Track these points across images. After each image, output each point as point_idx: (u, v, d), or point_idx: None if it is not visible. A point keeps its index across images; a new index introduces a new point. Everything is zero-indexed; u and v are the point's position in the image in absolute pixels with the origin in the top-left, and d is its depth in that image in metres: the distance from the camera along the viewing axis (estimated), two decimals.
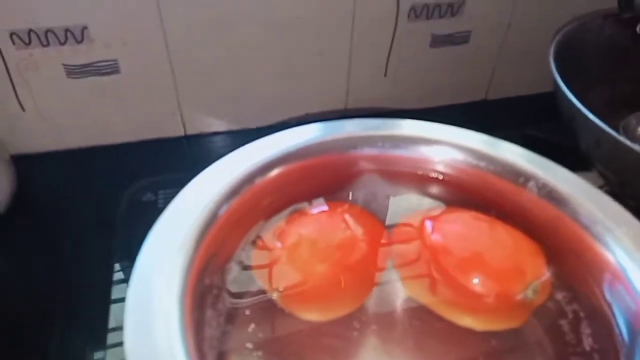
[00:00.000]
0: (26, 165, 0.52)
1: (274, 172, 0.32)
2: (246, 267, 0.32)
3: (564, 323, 0.29)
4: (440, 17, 0.56)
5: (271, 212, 0.33)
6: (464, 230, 0.32)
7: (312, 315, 0.32)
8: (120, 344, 0.34)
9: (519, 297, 0.30)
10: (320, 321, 0.31)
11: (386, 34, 0.56)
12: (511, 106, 0.65)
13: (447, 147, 0.35)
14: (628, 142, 0.35)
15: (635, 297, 0.27)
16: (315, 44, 0.55)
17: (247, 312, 0.31)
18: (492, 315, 0.30)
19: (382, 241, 0.33)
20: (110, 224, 0.46)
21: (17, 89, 0.49)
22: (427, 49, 0.59)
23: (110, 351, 0.36)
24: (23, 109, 0.51)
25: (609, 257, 0.29)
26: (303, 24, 0.52)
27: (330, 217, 0.33)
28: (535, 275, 0.30)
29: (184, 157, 0.55)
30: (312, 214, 0.33)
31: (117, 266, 0.42)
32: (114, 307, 0.39)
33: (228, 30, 0.50)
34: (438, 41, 0.58)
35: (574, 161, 0.35)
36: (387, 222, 0.35)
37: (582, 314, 0.29)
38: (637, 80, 0.51)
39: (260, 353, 0.29)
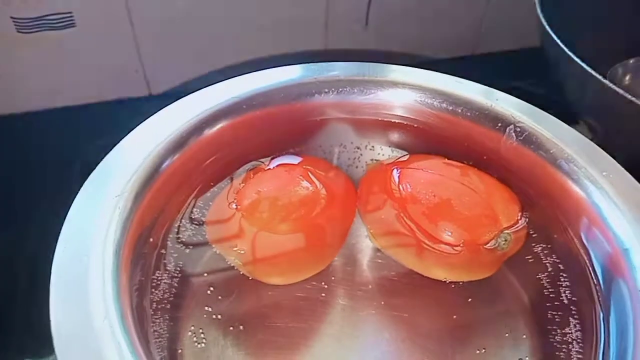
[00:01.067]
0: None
1: (223, 124, 0.30)
2: (200, 227, 0.29)
3: (542, 275, 0.28)
4: None
5: (224, 167, 0.30)
6: (432, 176, 0.30)
7: (277, 280, 0.29)
8: None
9: (490, 245, 0.28)
10: (286, 284, 0.29)
11: None
12: (500, 61, 0.62)
13: (415, 91, 0.32)
14: (614, 86, 0.33)
15: (610, 240, 0.26)
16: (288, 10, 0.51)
17: (205, 274, 0.28)
18: (462, 265, 0.28)
19: (348, 195, 0.31)
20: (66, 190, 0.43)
21: None
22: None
23: None
24: None
25: (586, 200, 0.28)
26: None
27: (291, 172, 0.30)
28: (508, 223, 0.28)
29: None
30: (270, 170, 0.30)
31: None
32: None
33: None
34: None
35: (562, 115, 0.33)
36: (352, 174, 0.32)
37: (560, 264, 0.28)
38: (626, 29, 0.49)
39: (219, 316, 0.27)
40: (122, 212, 0.24)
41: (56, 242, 0.39)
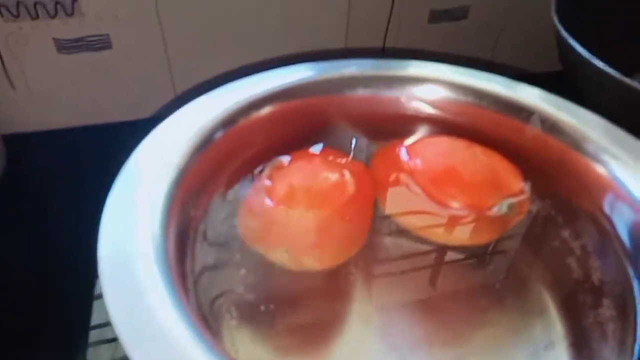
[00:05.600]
0: (16, 145, 0.51)
1: (262, 111, 0.31)
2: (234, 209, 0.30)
3: (570, 259, 0.28)
4: None
5: (257, 156, 0.31)
6: (438, 150, 0.33)
7: (317, 265, 0.30)
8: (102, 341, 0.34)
9: (494, 211, 0.30)
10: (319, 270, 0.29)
11: (383, 10, 0.55)
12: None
13: (436, 85, 0.34)
14: (630, 81, 0.34)
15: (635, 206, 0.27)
16: (310, 21, 0.54)
17: (238, 257, 0.29)
18: (468, 228, 0.30)
19: (367, 178, 0.32)
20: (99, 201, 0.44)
21: (7, 65, 0.49)
22: (425, 25, 0.58)
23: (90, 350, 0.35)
24: (13, 87, 0.50)
25: (606, 174, 0.29)
26: (299, 2, 0.51)
27: (313, 164, 0.32)
28: (511, 191, 0.30)
29: None
30: (292, 165, 0.32)
31: None
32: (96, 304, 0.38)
33: (224, 7, 0.50)
34: (436, 17, 0.57)
35: None
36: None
37: (587, 247, 0.28)
38: None
39: (251, 296, 0.27)
40: (167, 186, 0.25)
41: (90, 252, 0.40)
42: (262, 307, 0.27)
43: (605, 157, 0.28)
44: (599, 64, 0.36)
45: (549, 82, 0.37)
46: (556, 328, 0.26)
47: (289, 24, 0.54)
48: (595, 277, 0.27)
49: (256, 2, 0.52)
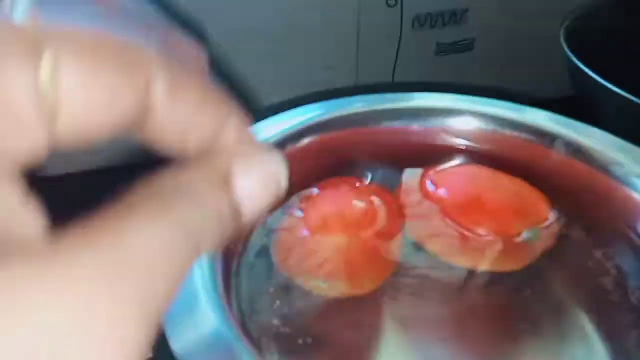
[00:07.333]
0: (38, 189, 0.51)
1: (292, 147, 0.31)
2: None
3: (606, 279, 0.28)
4: (444, 25, 0.57)
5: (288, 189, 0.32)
6: (464, 178, 0.33)
7: (356, 291, 0.29)
8: None
9: (521, 238, 0.30)
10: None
11: (391, 45, 0.57)
12: None
13: (464, 116, 0.34)
14: None
15: None
16: (322, 59, 0.55)
17: (272, 289, 0.29)
18: (496, 255, 0.30)
19: (393, 204, 0.33)
20: None
21: None
22: (432, 58, 0.59)
23: None
24: None
25: (635, 193, 0.29)
26: (308, 39, 0.53)
27: (340, 192, 0.33)
28: (537, 218, 0.31)
29: None
30: (321, 194, 0.32)
31: None
32: None
33: (234, 48, 0.51)
34: (443, 50, 0.59)
35: None
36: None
37: (623, 266, 0.27)
38: None
39: (287, 330, 0.27)
40: None
41: None
42: (300, 341, 0.27)
43: (633, 178, 0.29)
44: (615, 89, 0.37)
45: (559, 109, 0.38)
46: (598, 350, 0.25)
47: (300, 66, 0.55)
48: (634, 296, 0.27)
49: (269, 48, 0.53)
